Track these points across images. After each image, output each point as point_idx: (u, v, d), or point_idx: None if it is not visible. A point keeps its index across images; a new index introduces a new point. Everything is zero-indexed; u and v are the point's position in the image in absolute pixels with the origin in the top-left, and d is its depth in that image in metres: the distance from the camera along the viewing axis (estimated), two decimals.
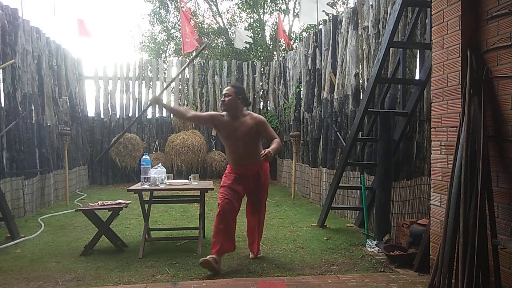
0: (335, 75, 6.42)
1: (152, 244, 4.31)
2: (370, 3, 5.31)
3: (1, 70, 5.57)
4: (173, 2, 17.00)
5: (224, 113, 3.64)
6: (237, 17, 18.18)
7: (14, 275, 3.33)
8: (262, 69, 10.93)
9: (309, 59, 7.69)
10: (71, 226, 5.22)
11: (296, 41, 16.04)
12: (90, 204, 4.51)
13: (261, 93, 10.86)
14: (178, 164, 9.52)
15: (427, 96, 4.23)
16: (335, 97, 6.33)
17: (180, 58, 13.84)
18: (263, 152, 3.38)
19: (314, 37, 7.48)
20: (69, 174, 7.68)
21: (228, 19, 18.10)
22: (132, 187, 4.05)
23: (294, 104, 8.66)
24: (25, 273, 3.38)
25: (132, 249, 4.10)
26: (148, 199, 4.38)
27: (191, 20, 11.40)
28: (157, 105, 3.35)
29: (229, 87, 3.64)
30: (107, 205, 4.20)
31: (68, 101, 8.49)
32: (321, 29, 7.13)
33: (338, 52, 6.34)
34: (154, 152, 9.91)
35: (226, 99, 3.56)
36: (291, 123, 8.83)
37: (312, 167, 7.28)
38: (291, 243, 4.33)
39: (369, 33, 5.34)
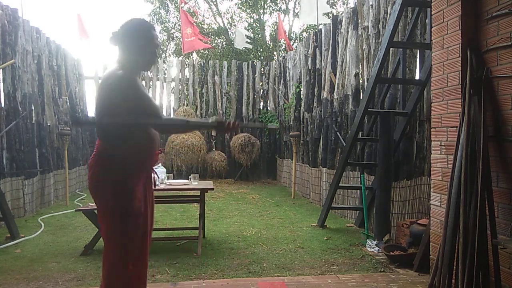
0: (335, 75, 6.42)
1: (152, 244, 4.29)
2: (370, 3, 5.31)
3: (1, 70, 5.57)
4: (173, 2, 17.01)
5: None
6: (237, 17, 18.20)
7: (14, 275, 3.33)
8: (262, 69, 10.92)
9: (309, 59, 7.69)
10: (71, 226, 5.22)
11: (296, 41, 16.04)
12: (90, 204, 4.51)
13: (261, 93, 10.86)
14: (178, 164, 9.52)
15: (427, 96, 4.23)
16: (335, 97, 6.33)
17: (180, 58, 13.83)
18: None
19: (314, 37, 7.48)
20: (69, 174, 7.67)
21: (228, 19, 18.12)
22: None
23: (294, 104, 8.66)
24: (25, 273, 3.38)
25: None
26: None
27: (194, 22, 11.41)
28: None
29: None
30: None
31: (68, 101, 8.49)
32: (321, 29, 7.13)
33: (338, 52, 6.34)
34: None
35: None
36: (291, 123, 8.83)
37: (312, 167, 7.28)
38: (291, 243, 4.33)
39: (369, 33, 5.34)
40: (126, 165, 2.02)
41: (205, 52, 16.59)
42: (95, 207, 4.04)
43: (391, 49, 4.59)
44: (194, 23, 11.40)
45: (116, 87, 1.98)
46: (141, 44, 2.10)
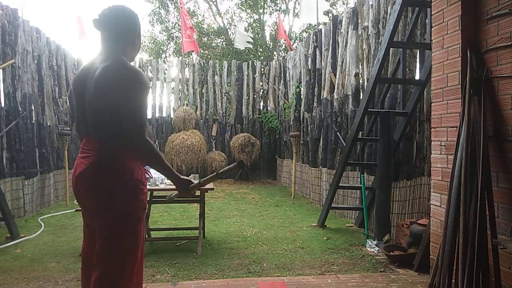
0: (335, 75, 6.42)
1: (152, 244, 4.31)
2: (370, 3, 5.31)
3: (1, 70, 5.57)
4: (173, 2, 17.01)
5: None
6: (237, 17, 18.20)
7: (14, 275, 3.34)
8: (262, 69, 10.92)
9: (309, 59, 7.69)
10: (71, 226, 5.22)
11: (296, 41, 16.04)
12: None
13: (261, 93, 10.87)
14: (178, 164, 9.51)
15: (427, 96, 4.23)
16: (335, 97, 6.33)
17: (180, 58, 13.83)
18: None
19: (314, 37, 7.48)
20: (69, 174, 7.67)
21: (228, 19, 18.12)
22: None
23: (294, 104, 8.66)
24: (25, 273, 3.38)
25: None
26: (148, 199, 4.38)
27: (189, 21, 11.37)
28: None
29: None
30: None
31: (68, 101, 8.49)
32: (321, 29, 7.13)
33: (338, 52, 6.34)
34: None
35: None
36: (291, 123, 8.83)
37: (312, 167, 7.28)
38: (291, 243, 4.33)
39: (369, 33, 5.34)
40: (136, 164, 1.84)
41: (205, 52, 16.60)
42: None
43: (391, 49, 4.59)
44: (190, 24, 11.38)
45: (131, 80, 1.71)
46: (134, 36, 1.89)
